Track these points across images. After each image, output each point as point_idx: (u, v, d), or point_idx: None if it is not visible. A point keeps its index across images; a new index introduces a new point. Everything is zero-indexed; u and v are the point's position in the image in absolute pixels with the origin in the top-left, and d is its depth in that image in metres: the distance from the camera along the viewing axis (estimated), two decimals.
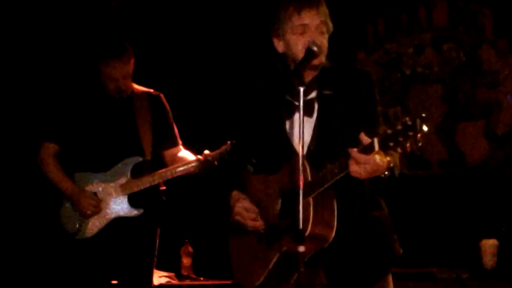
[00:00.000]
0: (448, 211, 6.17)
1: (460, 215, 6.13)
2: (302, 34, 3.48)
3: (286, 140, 3.54)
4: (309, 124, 3.51)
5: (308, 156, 3.45)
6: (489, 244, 5.75)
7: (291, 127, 3.54)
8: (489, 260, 5.72)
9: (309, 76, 3.54)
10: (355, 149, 3.20)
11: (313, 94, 3.55)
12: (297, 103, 3.30)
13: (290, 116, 3.54)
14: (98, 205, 4.90)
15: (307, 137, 3.50)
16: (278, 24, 3.55)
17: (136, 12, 6.54)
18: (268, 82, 3.67)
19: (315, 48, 3.39)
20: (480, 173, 6.25)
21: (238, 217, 3.60)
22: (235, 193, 3.65)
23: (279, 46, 3.58)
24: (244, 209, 3.59)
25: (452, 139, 6.37)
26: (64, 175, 4.98)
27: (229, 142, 4.71)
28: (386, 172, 3.32)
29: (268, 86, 3.66)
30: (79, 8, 6.47)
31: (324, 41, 3.51)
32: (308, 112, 3.50)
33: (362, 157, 3.19)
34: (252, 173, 3.74)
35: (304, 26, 3.48)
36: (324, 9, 3.53)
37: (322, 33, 3.50)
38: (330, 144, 3.46)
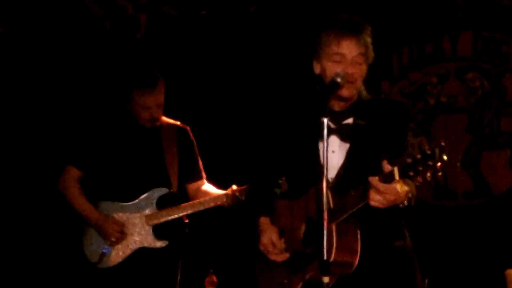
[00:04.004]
0: (473, 241, 6.13)
1: (485, 245, 6.09)
2: (338, 62, 3.47)
3: (315, 162, 3.52)
4: (344, 149, 3.53)
5: (335, 181, 3.47)
6: None
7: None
8: None
9: (344, 103, 3.55)
10: (376, 178, 3.19)
11: (349, 120, 3.56)
12: (332, 126, 3.36)
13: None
14: (123, 231, 4.89)
15: (340, 162, 3.52)
16: (318, 47, 3.55)
17: (163, 44, 6.59)
18: (304, 103, 3.67)
19: (339, 80, 3.38)
20: (506, 203, 6.21)
21: (262, 248, 3.62)
22: (263, 220, 3.67)
23: (317, 68, 3.59)
24: (271, 243, 3.61)
25: (477, 169, 6.33)
26: (85, 200, 4.96)
27: None
28: (405, 202, 3.30)
29: (304, 107, 3.66)
30: (107, 38, 6.55)
31: (358, 71, 3.49)
32: (343, 137, 3.52)
33: (382, 186, 3.18)
34: (279, 196, 3.75)
35: (341, 55, 3.47)
36: (365, 38, 3.50)
37: (359, 64, 3.49)
38: (358, 172, 3.44)
